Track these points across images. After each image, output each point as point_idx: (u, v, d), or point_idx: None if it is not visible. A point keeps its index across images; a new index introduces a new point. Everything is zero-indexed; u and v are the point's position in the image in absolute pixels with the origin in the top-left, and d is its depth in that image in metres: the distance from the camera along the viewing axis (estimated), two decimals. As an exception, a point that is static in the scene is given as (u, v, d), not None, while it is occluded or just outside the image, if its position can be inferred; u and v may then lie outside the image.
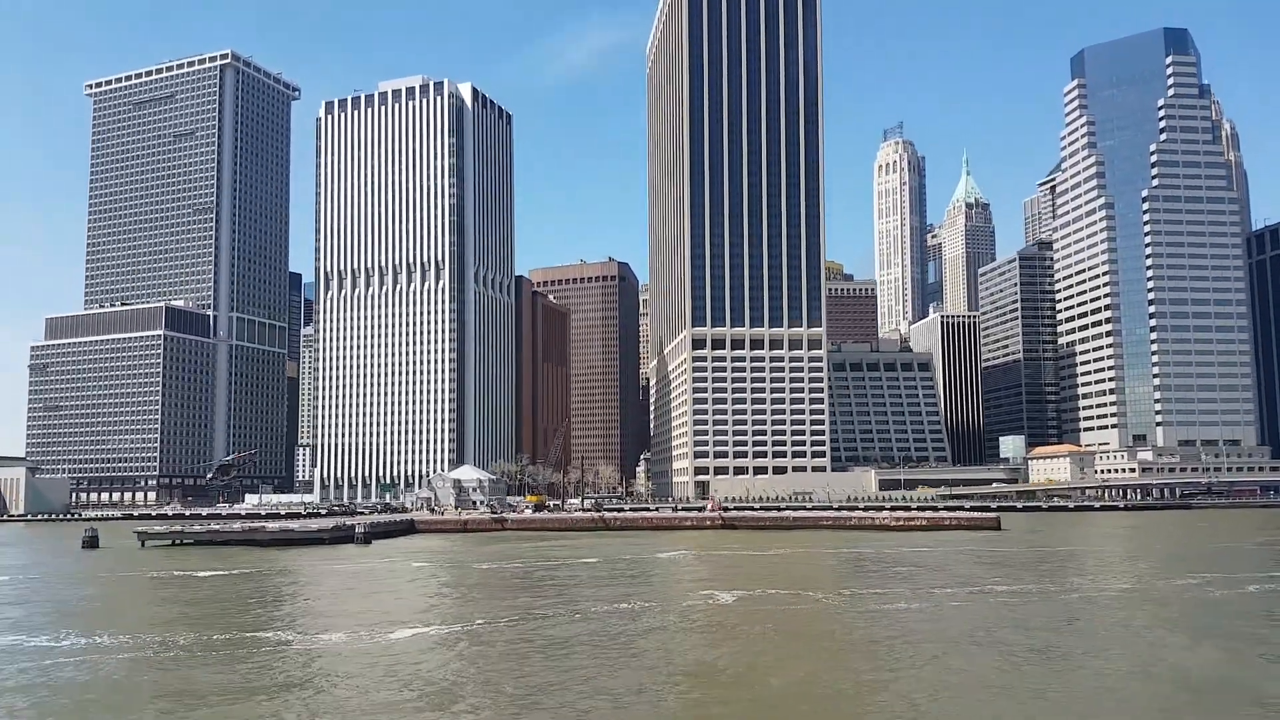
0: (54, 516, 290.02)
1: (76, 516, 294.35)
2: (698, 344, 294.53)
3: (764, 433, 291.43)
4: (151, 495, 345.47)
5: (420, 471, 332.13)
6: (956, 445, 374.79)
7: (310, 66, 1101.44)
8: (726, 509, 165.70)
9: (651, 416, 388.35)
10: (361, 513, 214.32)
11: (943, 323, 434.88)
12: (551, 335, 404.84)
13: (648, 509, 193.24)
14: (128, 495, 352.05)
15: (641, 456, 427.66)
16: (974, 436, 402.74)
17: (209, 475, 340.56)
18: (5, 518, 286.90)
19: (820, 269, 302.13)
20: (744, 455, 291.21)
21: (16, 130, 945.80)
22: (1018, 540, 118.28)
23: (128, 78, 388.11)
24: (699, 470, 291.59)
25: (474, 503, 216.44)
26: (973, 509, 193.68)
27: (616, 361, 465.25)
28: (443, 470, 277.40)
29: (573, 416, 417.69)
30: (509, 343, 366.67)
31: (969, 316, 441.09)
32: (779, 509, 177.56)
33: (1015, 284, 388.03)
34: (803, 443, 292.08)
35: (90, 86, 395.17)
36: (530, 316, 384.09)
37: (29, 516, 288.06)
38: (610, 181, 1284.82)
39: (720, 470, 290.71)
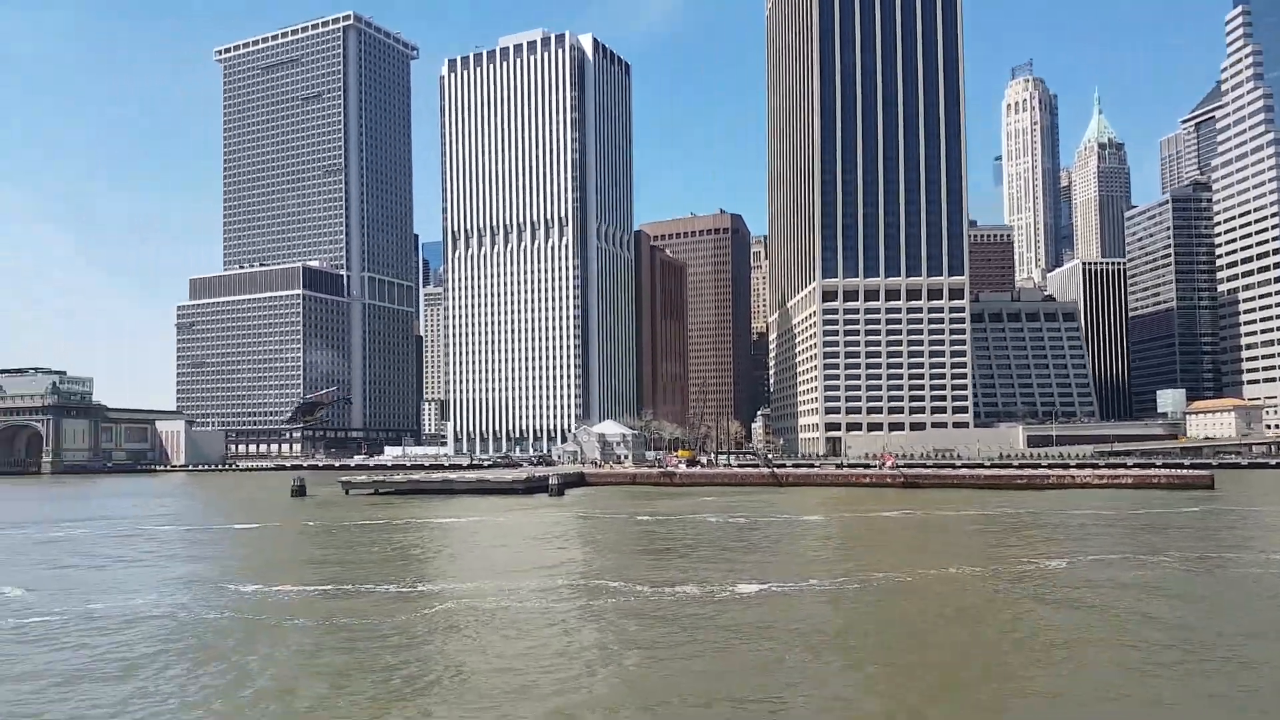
0: (211, 467, 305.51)
1: (233, 467, 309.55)
2: (828, 295, 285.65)
3: (900, 387, 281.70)
4: (297, 447, 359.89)
5: (546, 427, 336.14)
6: (1102, 399, 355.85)
7: (418, 24, 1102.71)
8: (901, 466, 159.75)
9: (771, 371, 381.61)
10: (520, 464, 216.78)
11: (1084, 270, 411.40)
12: (669, 290, 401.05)
13: (812, 465, 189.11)
14: (272, 447, 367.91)
15: (759, 412, 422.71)
16: (1121, 390, 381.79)
17: (288, 415, 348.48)
18: (168, 467, 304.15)
19: (963, 213, 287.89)
20: (879, 411, 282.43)
21: (152, 98, 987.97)
22: (1244, 499, 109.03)
23: (255, 42, 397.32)
24: (830, 426, 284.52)
25: (618, 456, 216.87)
26: (1135, 464, 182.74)
27: (729, 316, 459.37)
28: (584, 425, 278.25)
29: (689, 372, 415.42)
30: (629, 298, 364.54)
31: (1114, 263, 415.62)
32: (954, 466, 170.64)
33: (1167, 228, 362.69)
34: (943, 397, 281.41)
35: (220, 52, 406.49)
36: (650, 271, 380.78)
37: (189, 467, 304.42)
38: (715, 131, 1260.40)
39: (853, 426, 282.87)
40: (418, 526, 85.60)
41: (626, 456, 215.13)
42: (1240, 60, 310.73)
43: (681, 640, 35.73)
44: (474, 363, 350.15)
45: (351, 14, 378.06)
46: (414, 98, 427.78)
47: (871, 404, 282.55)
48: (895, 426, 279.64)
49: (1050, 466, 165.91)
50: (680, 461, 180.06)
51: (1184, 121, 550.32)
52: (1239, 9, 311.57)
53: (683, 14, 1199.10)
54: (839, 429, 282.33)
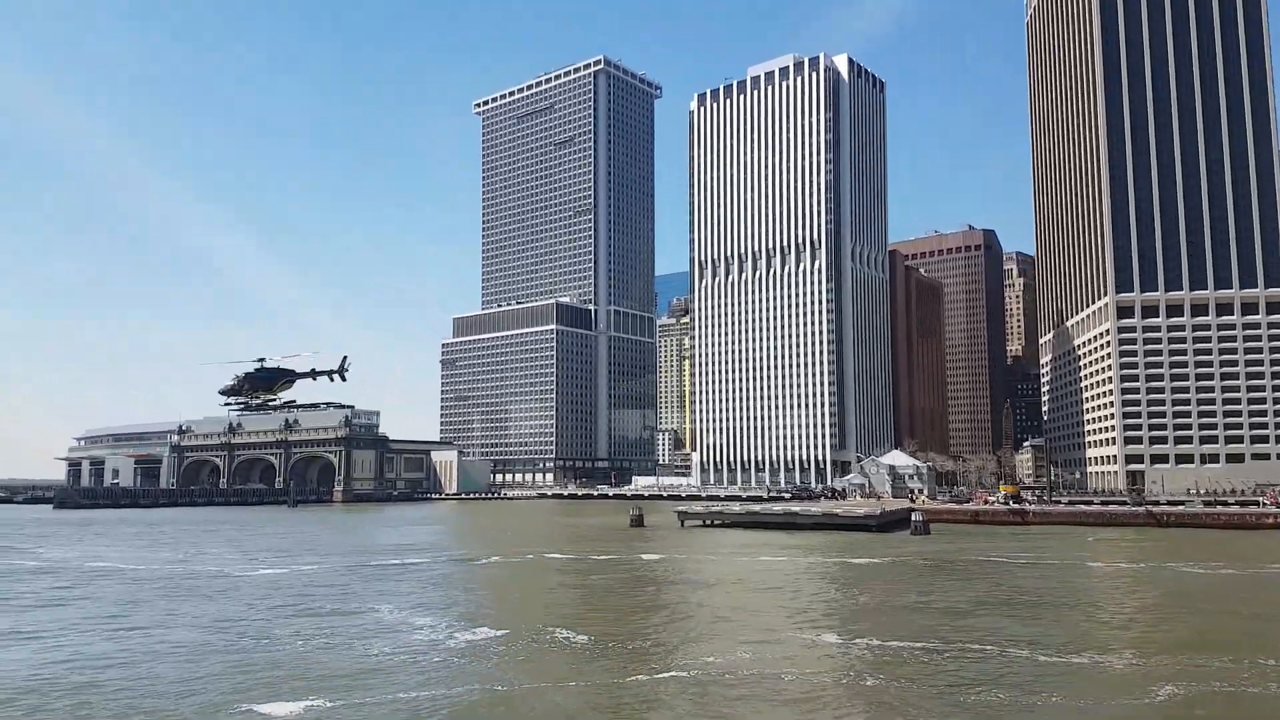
0: (479, 495, 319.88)
1: (498, 495, 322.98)
2: (1124, 312, 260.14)
3: (1213, 414, 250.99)
4: (549, 476, 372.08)
5: (799, 457, 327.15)
6: None
7: (661, 59, 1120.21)
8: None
9: (1045, 397, 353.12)
10: (817, 496, 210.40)
11: None
12: (925, 312, 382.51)
13: (1185, 501, 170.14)
14: (528, 476, 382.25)
15: (1027, 443, 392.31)
16: None
17: (228, 386, 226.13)
18: (442, 496, 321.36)
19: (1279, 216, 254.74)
20: (1188, 441, 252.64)
21: (417, 149, 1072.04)
22: None
23: (511, 93, 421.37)
24: (1131, 459, 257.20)
25: (910, 490, 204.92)
26: None
27: (983, 338, 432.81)
28: (861, 455, 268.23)
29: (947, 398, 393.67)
30: (884, 321, 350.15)
31: None
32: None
33: None
34: (1264, 425, 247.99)
35: (479, 105, 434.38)
36: (905, 293, 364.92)
37: (460, 495, 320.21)
38: (958, 139, 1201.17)
39: (1158, 458, 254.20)
40: (845, 567, 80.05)
41: (922, 490, 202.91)
42: None
43: None
44: (718, 392, 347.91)
45: (602, 59, 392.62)
46: (658, 135, 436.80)
47: (1179, 433, 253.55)
48: (1209, 458, 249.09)
49: None
50: (1009, 498, 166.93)
51: None
52: None
53: (917, 13, 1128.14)
54: (1141, 461, 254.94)
